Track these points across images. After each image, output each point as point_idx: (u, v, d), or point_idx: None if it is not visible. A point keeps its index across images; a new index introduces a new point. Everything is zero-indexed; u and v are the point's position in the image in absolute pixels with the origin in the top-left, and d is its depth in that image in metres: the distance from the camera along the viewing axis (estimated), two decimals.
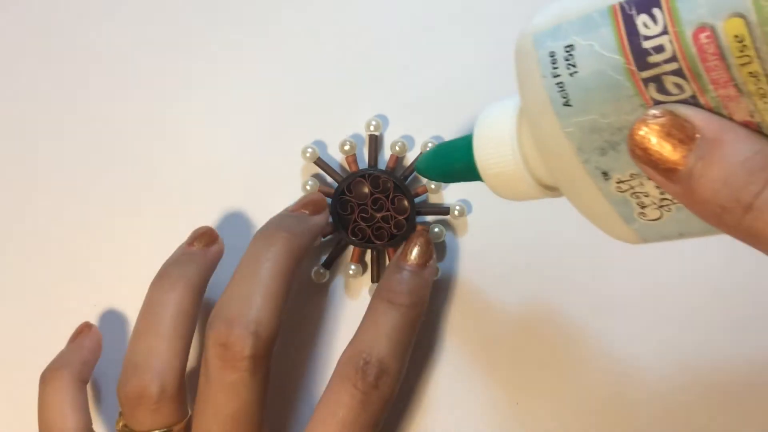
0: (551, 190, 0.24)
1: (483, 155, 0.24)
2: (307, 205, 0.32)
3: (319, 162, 0.35)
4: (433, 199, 0.35)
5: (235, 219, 0.36)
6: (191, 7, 0.37)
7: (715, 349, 0.34)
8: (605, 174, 0.20)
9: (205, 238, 0.33)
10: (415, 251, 0.31)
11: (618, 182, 0.20)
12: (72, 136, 0.37)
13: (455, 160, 0.26)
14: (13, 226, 0.36)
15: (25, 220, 0.36)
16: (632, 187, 0.20)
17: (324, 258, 0.35)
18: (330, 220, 0.34)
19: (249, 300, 0.28)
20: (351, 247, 0.35)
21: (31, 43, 0.37)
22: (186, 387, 0.30)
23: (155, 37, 0.37)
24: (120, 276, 0.36)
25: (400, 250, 0.32)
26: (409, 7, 0.36)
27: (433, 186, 0.34)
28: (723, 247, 0.33)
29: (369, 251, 0.35)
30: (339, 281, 0.35)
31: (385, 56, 0.35)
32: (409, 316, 0.30)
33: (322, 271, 0.35)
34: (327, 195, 0.34)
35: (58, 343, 0.34)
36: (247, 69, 0.36)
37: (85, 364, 0.32)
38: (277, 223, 0.31)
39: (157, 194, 0.36)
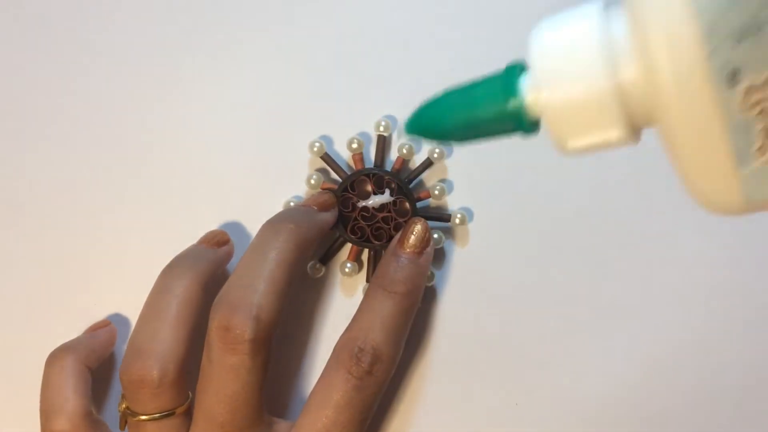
0: (635, 131, 0.18)
1: (549, 73, 0.18)
2: (316, 201, 0.33)
3: (326, 157, 0.35)
4: (436, 204, 0.35)
5: (239, 210, 0.35)
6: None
7: (715, 350, 0.34)
8: (734, 75, 0.16)
9: (217, 238, 0.34)
10: (412, 239, 0.31)
11: (747, 91, 0.16)
12: (75, 136, 0.36)
13: (477, 102, 0.19)
14: (13, 225, 0.36)
15: (24, 219, 0.36)
16: (764, 100, 0.16)
17: (321, 253, 0.35)
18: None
19: (252, 286, 0.29)
20: (349, 245, 0.35)
21: (29, 43, 0.37)
22: (188, 372, 0.30)
23: (162, 29, 0.37)
24: (121, 274, 0.35)
25: (396, 238, 0.32)
26: (430, 10, 0.36)
27: (437, 192, 0.34)
28: (725, 248, 0.34)
29: (366, 250, 0.35)
30: (334, 277, 0.35)
31: (401, 57, 0.36)
32: (405, 304, 0.31)
33: (317, 266, 0.35)
34: (330, 191, 0.34)
35: (58, 342, 0.33)
36: (257, 61, 0.36)
37: (94, 351, 0.33)
38: (284, 214, 0.31)
39: (158, 189, 0.36)
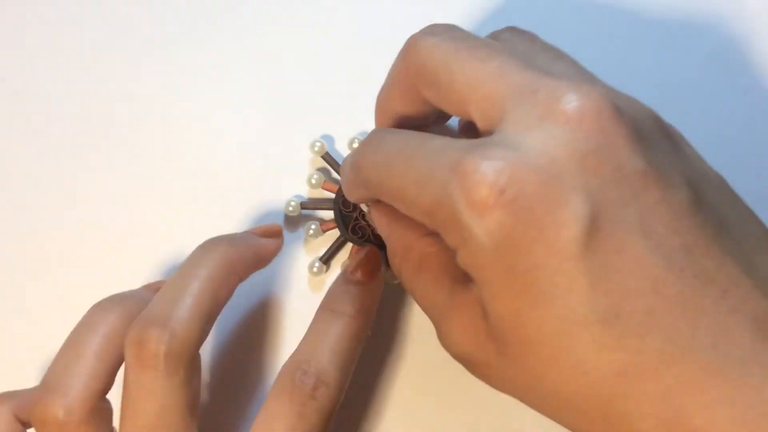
0: None
1: None
2: (258, 228, 0.33)
3: (327, 156, 0.35)
4: None
5: (240, 209, 0.36)
6: None
7: None
8: None
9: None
10: (363, 262, 0.31)
11: None
12: (74, 135, 0.37)
13: None
14: (13, 225, 0.36)
15: (24, 218, 0.36)
16: None
17: (322, 252, 0.35)
18: (331, 217, 0.34)
19: (173, 301, 0.27)
20: (350, 245, 0.35)
21: (34, 42, 0.38)
22: (108, 408, 0.29)
23: (162, 29, 0.37)
24: (121, 274, 0.35)
25: (347, 262, 0.32)
26: (431, 10, 0.36)
27: None
28: None
29: None
30: (336, 276, 0.35)
31: None
32: (353, 326, 0.30)
33: (318, 265, 0.35)
34: (331, 190, 0.34)
35: (57, 341, 0.33)
36: (258, 60, 0.37)
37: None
38: (219, 236, 0.31)
39: (158, 189, 0.36)
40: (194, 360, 0.28)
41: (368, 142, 0.28)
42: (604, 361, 0.21)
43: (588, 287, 0.20)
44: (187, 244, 0.34)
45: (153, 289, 0.32)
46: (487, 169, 0.21)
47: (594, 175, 0.21)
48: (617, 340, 0.20)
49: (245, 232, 0.32)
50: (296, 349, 0.29)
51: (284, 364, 0.29)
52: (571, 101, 0.21)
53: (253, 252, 0.31)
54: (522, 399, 0.24)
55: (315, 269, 0.35)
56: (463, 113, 0.25)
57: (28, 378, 0.34)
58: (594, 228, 0.20)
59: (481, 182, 0.21)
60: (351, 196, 0.30)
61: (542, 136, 0.21)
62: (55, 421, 0.27)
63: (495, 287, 0.22)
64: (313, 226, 0.35)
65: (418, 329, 0.35)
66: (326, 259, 0.35)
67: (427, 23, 0.36)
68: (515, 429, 0.34)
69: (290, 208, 0.35)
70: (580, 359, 0.21)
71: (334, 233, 0.35)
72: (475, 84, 0.24)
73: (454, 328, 0.25)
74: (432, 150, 0.23)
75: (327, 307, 0.30)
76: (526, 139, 0.21)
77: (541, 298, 0.21)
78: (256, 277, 0.35)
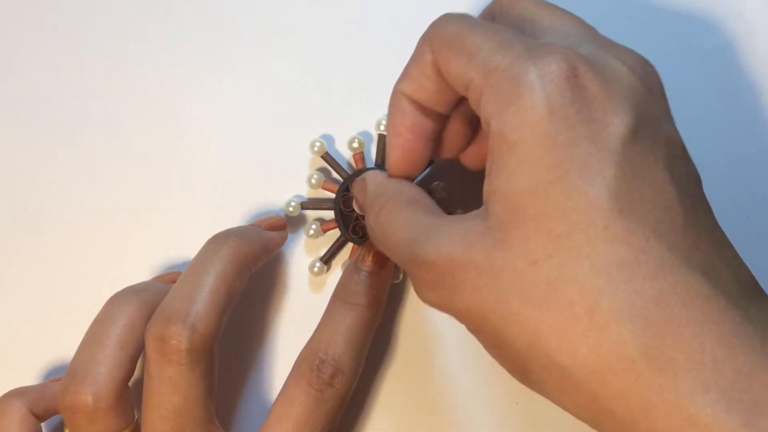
0: None
1: None
2: (264, 221, 0.33)
3: (326, 156, 0.35)
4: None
5: (240, 210, 0.36)
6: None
7: None
8: None
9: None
10: (373, 253, 0.32)
11: None
12: (75, 135, 0.36)
13: None
14: (14, 225, 0.36)
15: (25, 218, 0.36)
16: None
17: (323, 252, 0.35)
18: (329, 217, 0.34)
19: (189, 298, 0.29)
20: (350, 244, 0.35)
21: (33, 42, 0.37)
22: (131, 394, 0.30)
23: (162, 29, 0.37)
24: (120, 274, 0.35)
25: (359, 252, 0.32)
26: (431, 9, 0.36)
27: (437, 190, 0.34)
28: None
29: None
30: (336, 276, 0.35)
31: (402, 56, 0.35)
32: (366, 316, 0.31)
33: (319, 265, 0.35)
34: (331, 190, 0.34)
35: (56, 342, 0.34)
36: (258, 61, 0.36)
37: (44, 399, 0.31)
38: (228, 230, 0.32)
39: (158, 189, 0.36)
40: (213, 352, 0.29)
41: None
42: (608, 252, 0.21)
43: (616, 177, 0.21)
44: (187, 244, 0.34)
45: (165, 280, 0.33)
46: (561, 55, 0.23)
47: (643, 98, 0.23)
48: (626, 232, 0.21)
49: (252, 226, 0.33)
50: (312, 338, 0.31)
51: (301, 352, 0.30)
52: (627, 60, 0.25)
53: (261, 245, 0.32)
54: (499, 301, 0.22)
55: (316, 269, 0.35)
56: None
57: (28, 378, 0.34)
58: (633, 138, 0.22)
59: (556, 58, 0.22)
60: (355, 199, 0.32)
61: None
62: (85, 408, 0.28)
63: (528, 153, 0.22)
64: (313, 226, 0.35)
65: (408, 331, 0.35)
66: (327, 259, 0.35)
67: (427, 23, 0.36)
68: (501, 429, 0.34)
69: (290, 208, 0.35)
70: (587, 244, 0.21)
71: (335, 233, 0.35)
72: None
73: (442, 236, 0.23)
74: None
75: (340, 297, 0.31)
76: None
77: (570, 174, 0.21)
78: (257, 277, 0.35)
